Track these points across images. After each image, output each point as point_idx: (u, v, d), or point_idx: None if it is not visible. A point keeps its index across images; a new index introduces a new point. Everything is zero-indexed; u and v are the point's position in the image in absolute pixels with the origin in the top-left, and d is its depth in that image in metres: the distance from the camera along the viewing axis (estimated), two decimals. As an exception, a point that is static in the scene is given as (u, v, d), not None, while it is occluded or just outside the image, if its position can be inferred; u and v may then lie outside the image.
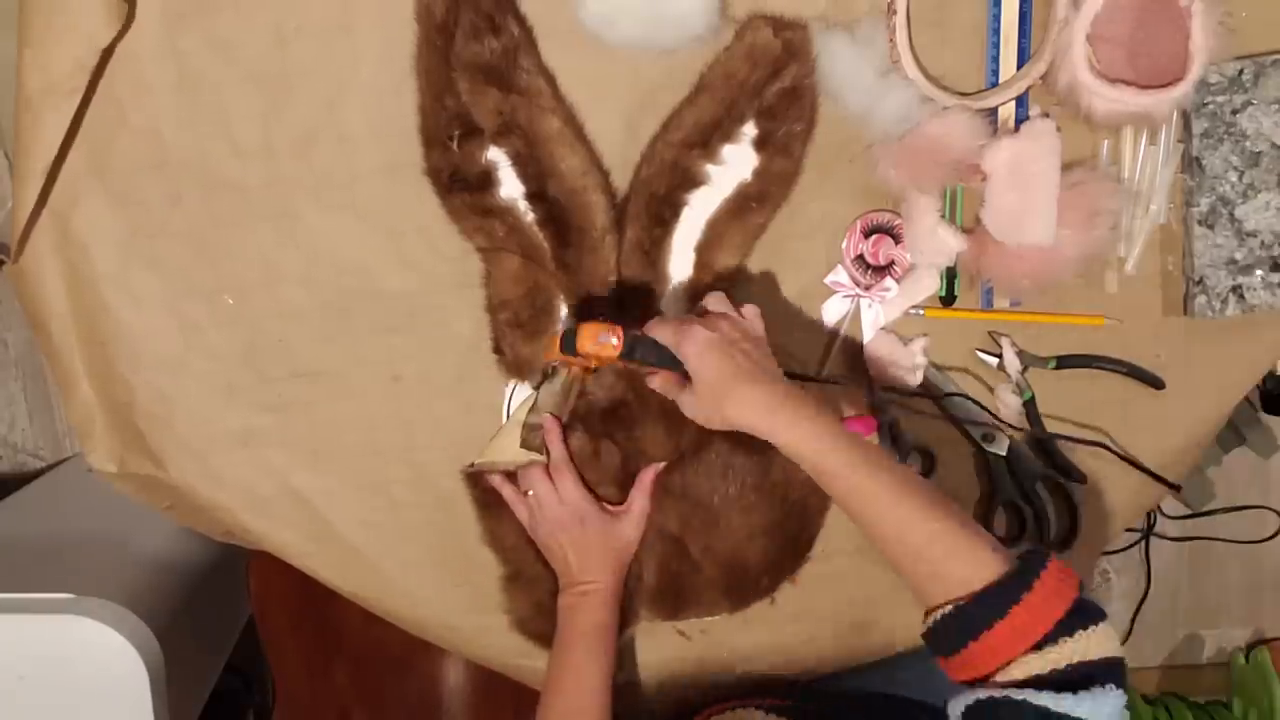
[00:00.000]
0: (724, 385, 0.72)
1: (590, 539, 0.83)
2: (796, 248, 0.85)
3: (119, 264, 0.81)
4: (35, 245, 0.80)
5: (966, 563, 0.65)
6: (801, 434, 0.70)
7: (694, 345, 0.72)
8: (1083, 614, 0.63)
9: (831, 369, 0.88)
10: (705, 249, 0.82)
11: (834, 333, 0.88)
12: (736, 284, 0.85)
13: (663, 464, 0.85)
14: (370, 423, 0.86)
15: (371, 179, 0.80)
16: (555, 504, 0.83)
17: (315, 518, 0.87)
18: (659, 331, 0.74)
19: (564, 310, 0.83)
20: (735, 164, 0.80)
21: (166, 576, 1.17)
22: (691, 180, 0.80)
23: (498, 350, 0.84)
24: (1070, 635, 0.61)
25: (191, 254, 0.81)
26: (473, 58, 0.75)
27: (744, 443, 0.85)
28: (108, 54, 0.75)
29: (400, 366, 0.85)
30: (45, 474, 1.50)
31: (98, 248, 0.80)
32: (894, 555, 0.68)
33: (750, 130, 0.79)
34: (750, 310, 0.78)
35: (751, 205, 0.81)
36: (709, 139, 0.79)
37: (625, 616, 0.88)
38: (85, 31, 0.73)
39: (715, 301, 0.77)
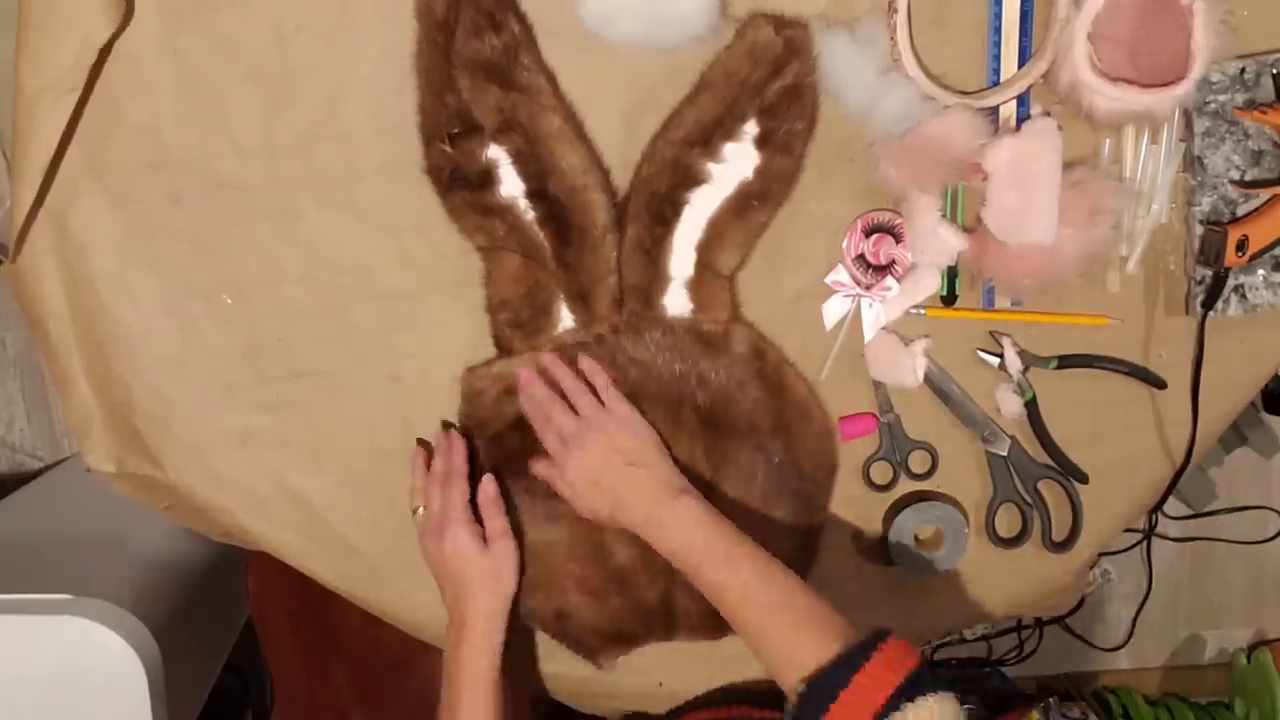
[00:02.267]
0: (601, 517, 0.80)
1: (456, 564, 0.80)
2: (797, 247, 0.85)
3: (117, 263, 0.81)
4: (33, 245, 0.79)
5: (815, 643, 0.69)
6: (674, 542, 0.77)
7: (568, 488, 0.80)
8: (926, 682, 0.65)
9: (832, 369, 0.88)
10: (706, 248, 0.82)
11: (834, 332, 0.87)
12: (737, 283, 0.85)
13: (489, 477, 0.83)
14: (370, 423, 0.86)
15: (371, 178, 0.80)
16: (431, 520, 0.82)
17: (314, 518, 0.87)
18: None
19: (564, 310, 0.83)
20: (736, 162, 0.80)
21: (165, 577, 1.17)
22: (693, 178, 0.80)
23: (499, 348, 0.84)
24: (911, 700, 0.64)
25: (190, 253, 0.81)
26: (473, 55, 0.74)
27: (763, 446, 0.85)
28: (106, 53, 0.75)
29: (400, 366, 0.85)
30: (43, 474, 1.50)
31: (96, 247, 0.80)
32: (752, 639, 0.74)
33: (751, 128, 0.79)
34: (614, 404, 0.81)
35: (753, 204, 0.81)
36: (710, 137, 0.79)
37: (658, 636, 0.88)
38: (83, 30, 0.73)
39: (583, 402, 0.81)
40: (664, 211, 0.80)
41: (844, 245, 0.86)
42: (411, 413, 0.86)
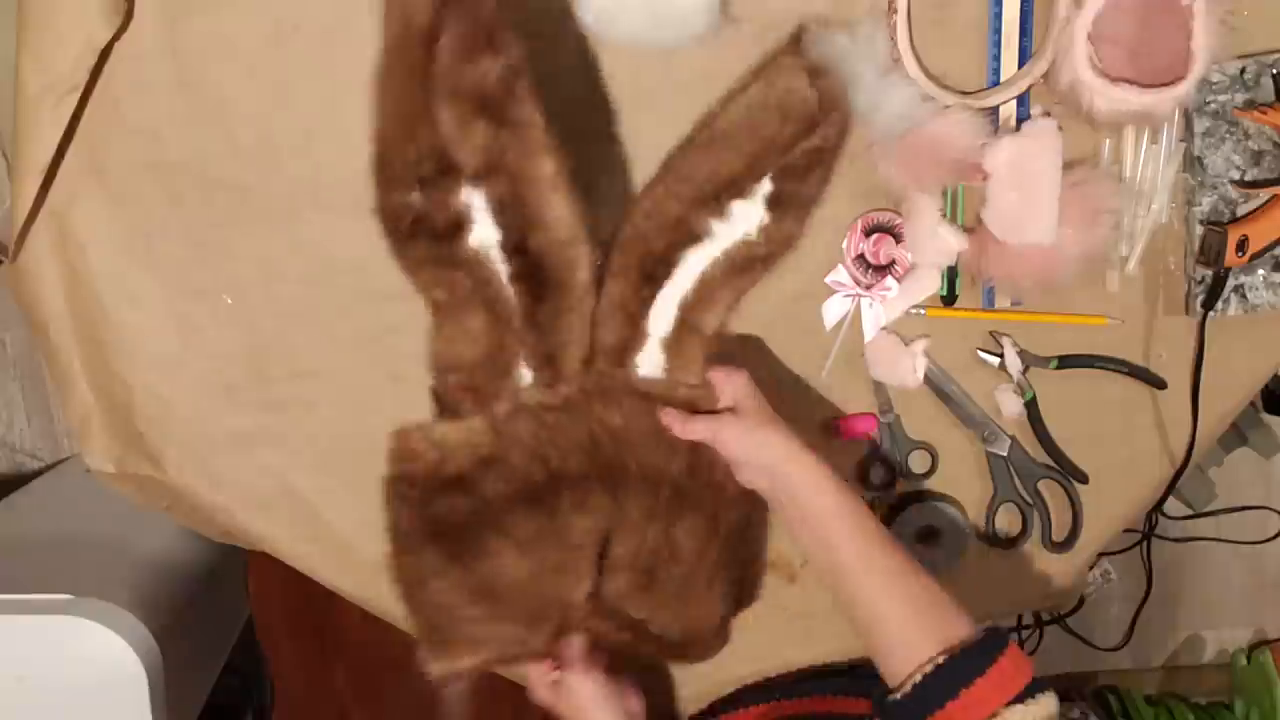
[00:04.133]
0: (767, 412, 0.76)
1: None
2: (797, 247, 0.85)
3: (117, 264, 0.81)
4: (33, 245, 0.79)
5: (941, 624, 0.71)
6: (818, 476, 0.74)
7: (739, 380, 0.77)
8: (1043, 681, 0.70)
9: (832, 369, 0.88)
10: (693, 307, 0.76)
11: (834, 332, 0.87)
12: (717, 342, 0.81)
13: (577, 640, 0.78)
14: (370, 423, 0.86)
15: (370, 178, 0.80)
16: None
17: (314, 518, 0.87)
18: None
19: (526, 374, 0.74)
20: (741, 220, 0.75)
21: (165, 577, 1.17)
22: (694, 237, 0.74)
23: (441, 407, 0.76)
24: (1044, 692, 0.69)
25: (190, 253, 0.81)
26: (462, 82, 0.63)
27: (720, 518, 0.80)
28: (106, 53, 0.75)
29: (400, 366, 0.85)
30: (43, 474, 1.50)
31: (96, 247, 0.80)
32: (866, 616, 0.73)
33: (765, 186, 0.73)
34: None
35: (754, 265, 0.76)
36: (720, 194, 0.72)
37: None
38: (84, 30, 0.73)
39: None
40: (656, 271, 0.74)
41: (844, 245, 0.86)
42: (411, 413, 0.85)
